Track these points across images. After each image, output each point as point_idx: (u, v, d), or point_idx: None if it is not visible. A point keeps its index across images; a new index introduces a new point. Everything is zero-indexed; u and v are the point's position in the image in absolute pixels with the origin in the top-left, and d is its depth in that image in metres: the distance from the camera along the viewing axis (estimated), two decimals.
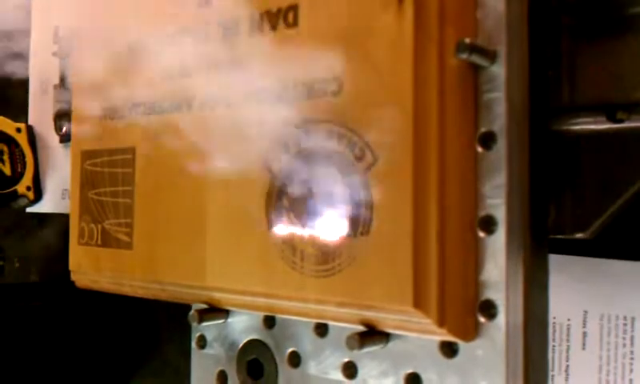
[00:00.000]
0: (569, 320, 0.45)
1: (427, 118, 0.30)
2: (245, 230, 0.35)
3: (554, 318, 0.45)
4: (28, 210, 0.78)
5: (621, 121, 0.36)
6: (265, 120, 0.35)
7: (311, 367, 0.37)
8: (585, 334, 0.44)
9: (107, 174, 0.43)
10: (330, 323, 0.36)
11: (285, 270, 0.34)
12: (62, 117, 0.73)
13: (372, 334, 0.33)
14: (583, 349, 0.44)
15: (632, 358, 0.43)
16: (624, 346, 0.43)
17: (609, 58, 0.36)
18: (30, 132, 0.77)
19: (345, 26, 0.32)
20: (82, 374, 0.71)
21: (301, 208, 0.33)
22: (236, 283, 0.36)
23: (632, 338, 0.43)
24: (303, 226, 0.33)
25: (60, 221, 0.75)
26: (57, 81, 0.75)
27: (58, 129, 0.74)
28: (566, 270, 0.44)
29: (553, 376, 0.45)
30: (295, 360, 0.38)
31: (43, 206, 0.77)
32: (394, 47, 0.30)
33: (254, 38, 0.36)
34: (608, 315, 0.44)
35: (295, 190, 0.34)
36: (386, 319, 0.31)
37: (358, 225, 0.31)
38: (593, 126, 0.37)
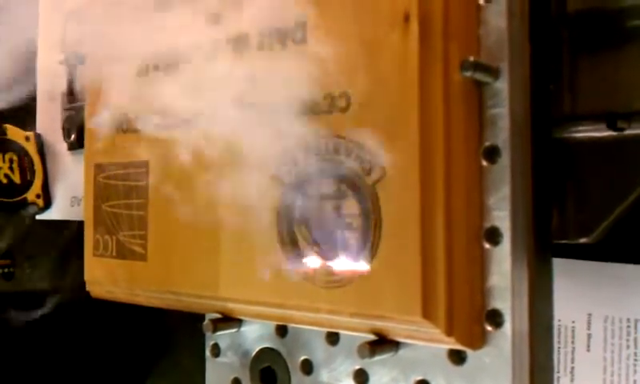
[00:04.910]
0: (573, 322, 0.46)
1: (433, 133, 0.31)
2: (257, 241, 0.36)
3: (559, 320, 0.46)
4: (38, 217, 0.79)
5: (621, 129, 0.37)
6: (275, 135, 0.36)
7: (323, 375, 0.38)
8: (589, 336, 0.45)
9: (121, 186, 0.44)
10: (342, 332, 0.37)
11: (297, 281, 0.35)
12: (70, 124, 0.74)
13: (382, 343, 0.34)
14: (588, 350, 0.45)
15: (636, 360, 0.44)
16: (628, 347, 0.44)
17: (609, 69, 0.37)
18: (39, 140, 0.77)
19: (352, 44, 0.33)
20: (95, 381, 0.71)
21: (311, 220, 0.34)
22: (249, 293, 0.37)
23: (635, 339, 0.43)
24: (314, 238, 0.34)
25: (70, 228, 0.75)
26: (64, 88, 0.75)
27: (66, 136, 0.75)
28: (571, 273, 0.44)
29: (558, 377, 0.46)
30: (307, 368, 0.39)
31: (52, 214, 0.77)
32: (400, 64, 0.31)
33: (263, 55, 0.36)
34: (612, 317, 0.44)
35: (305, 203, 0.35)
36: (396, 329, 0.32)
37: (368, 237, 0.32)
38: (594, 134, 0.38)
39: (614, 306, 0.44)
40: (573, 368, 0.46)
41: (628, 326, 0.44)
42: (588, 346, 0.45)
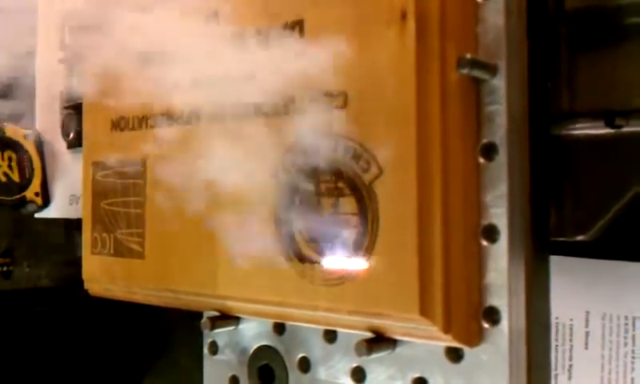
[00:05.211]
0: (571, 320, 0.46)
1: (430, 131, 0.31)
2: (254, 239, 0.36)
3: (557, 318, 0.46)
4: (36, 215, 0.79)
5: (619, 127, 0.37)
6: (273, 132, 0.36)
7: (321, 372, 0.38)
8: (587, 334, 0.45)
9: (119, 184, 0.44)
10: (339, 330, 0.37)
11: (295, 279, 0.35)
12: (69, 123, 0.74)
13: (380, 341, 0.34)
14: (586, 348, 0.45)
15: (633, 357, 0.44)
16: (625, 345, 0.44)
17: (607, 67, 0.37)
18: (38, 138, 0.77)
19: (350, 42, 0.33)
20: (93, 379, 0.71)
21: (308, 219, 0.34)
22: (247, 292, 0.37)
23: (633, 337, 0.44)
24: (311, 236, 0.34)
25: (69, 225, 0.75)
26: (63, 87, 0.75)
27: (65, 135, 0.75)
28: (568, 271, 0.44)
29: (556, 375, 0.46)
30: (305, 365, 0.39)
31: (51, 212, 0.77)
32: (397, 62, 0.31)
33: (260, 52, 0.36)
34: (610, 315, 0.44)
35: (302, 201, 0.35)
36: (393, 326, 0.32)
37: (365, 235, 0.32)
38: (592, 131, 0.38)
39: (611, 303, 0.44)
40: (571, 365, 0.46)
41: (626, 324, 0.44)
42: (586, 344, 0.45)
